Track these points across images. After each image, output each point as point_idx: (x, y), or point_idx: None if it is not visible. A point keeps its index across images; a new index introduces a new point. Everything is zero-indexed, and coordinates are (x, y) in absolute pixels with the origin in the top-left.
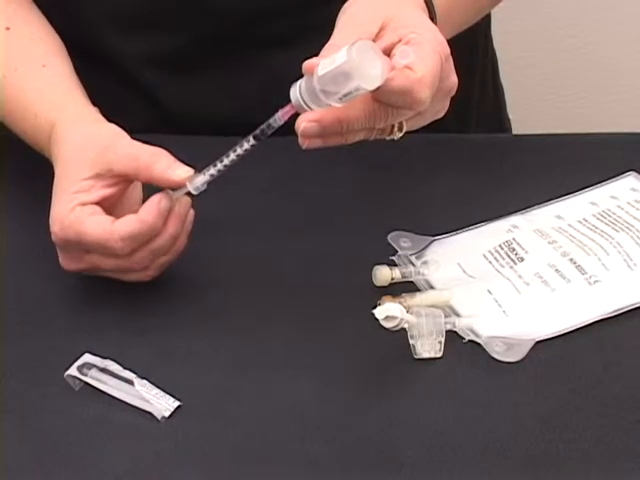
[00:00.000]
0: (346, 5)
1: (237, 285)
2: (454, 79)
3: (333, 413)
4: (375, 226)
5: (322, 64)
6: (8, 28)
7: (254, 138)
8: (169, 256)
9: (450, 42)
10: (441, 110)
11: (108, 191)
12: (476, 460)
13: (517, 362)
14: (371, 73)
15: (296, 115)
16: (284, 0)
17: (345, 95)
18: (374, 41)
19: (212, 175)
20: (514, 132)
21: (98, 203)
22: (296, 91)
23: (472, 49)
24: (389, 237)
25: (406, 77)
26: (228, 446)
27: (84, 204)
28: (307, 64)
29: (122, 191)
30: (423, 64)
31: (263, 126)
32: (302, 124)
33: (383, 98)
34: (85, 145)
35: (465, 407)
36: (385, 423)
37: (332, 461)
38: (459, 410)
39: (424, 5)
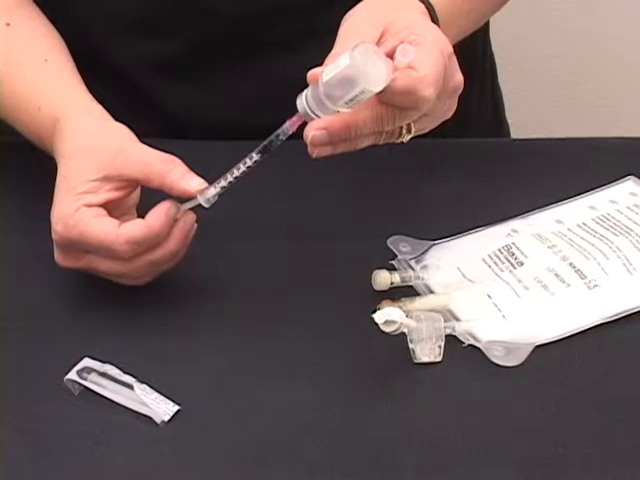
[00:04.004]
0: (346, 16)
1: (236, 289)
2: (459, 78)
3: (333, 417)
4: (375, 230)
5: (326, 70)
6: (8, 24)
7: (264, 149)
8: (166, 266)
9: None
10: (449, 110)
11: (115, 194)
12: (476, 464)
13: (516, 366)
14: (375, 75)
15: (304, 125)
16: (284, 5)
17: (351, 99)
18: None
19: (223, 187)
20: (513, 136)
21: (103, 205)
22: (302, 100)
23: (471, 53)
24: (389, 241)
25: (409, 76)
26: (227, 450)
27: (90, 205)
28: (311, 73)
29: (128, 194)
30: (425, 62)
31: (272, 137)
32: (310, 132)
33: (388, 100)
34: (94, 145)
35: (465, 411)
36: (384, 427)
37: (331, 465)
38: (459, 414)
39: (425, 10)
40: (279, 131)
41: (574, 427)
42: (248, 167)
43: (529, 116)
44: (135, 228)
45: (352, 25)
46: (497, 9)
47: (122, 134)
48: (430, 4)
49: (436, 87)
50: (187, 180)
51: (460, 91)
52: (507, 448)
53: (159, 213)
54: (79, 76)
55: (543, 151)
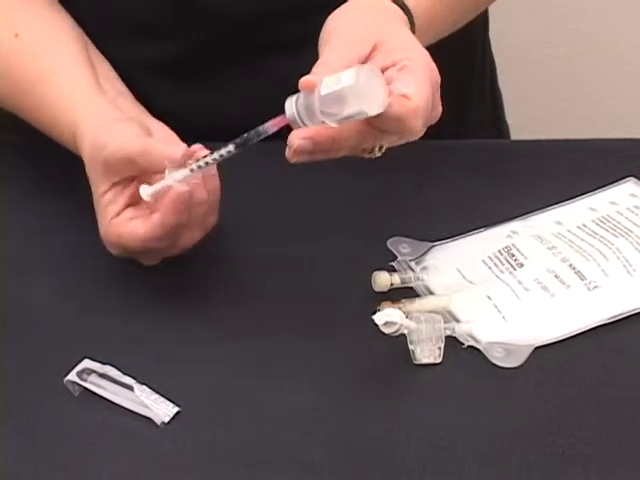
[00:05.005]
0: (331, 20)
1: (236, 291)
2: (439, 110)
3: (332, 418)
4: (374, 232)
5: (325, 84)
6: (17, 35)
7: (242, 143)
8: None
9: (448, 47)
10: (420, 134)
11: (131, 188)
12: (475, 466)
13: (516, 368)
14: (375, 100)
15: (285, 126)
16: (285, 7)
17: (345, 118)
18: (365, 61)
19: (192, 170)
20: (512, 137)
21: (129, 202)
22: (292, 105)
23: (470, 54)
24: (388, 243)
25: (402, 105)
26: (227, 451)
27: (117, 214)
28: (305, 81)
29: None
30: (418, 93)
31: (251, 132)
32: (296, 141)
33: (377, 123)
34: (92, 159)
35: (464, 413)
36: (384, 428)
37: (331, 467)
38: (459, 415)
39: (405, 17)
40: (260, 129)
41: (574, 428)
42: (220, 156)
43: (529, 117)
44: (154, 230)
45: (341, 34)
46: (477, 12)
47: (110, 137)
48: (409, 10)
49: (424, 118)
50: (170, 161)
51: (435, 121)
52: (507, 448)
53: (167, 204)
54: (93, 76)
55: (543, 152)
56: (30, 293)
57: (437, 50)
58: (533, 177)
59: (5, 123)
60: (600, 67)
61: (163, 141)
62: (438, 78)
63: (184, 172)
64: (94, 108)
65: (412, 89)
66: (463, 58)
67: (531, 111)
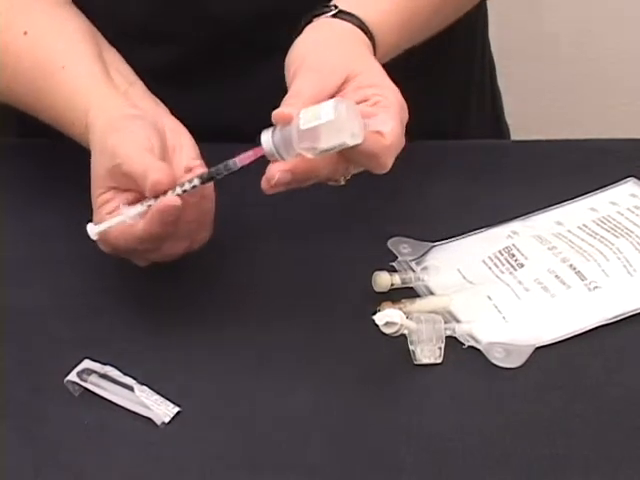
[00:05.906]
0: (298, 46)
1: (237, 291)
2: (403, 144)
3: (332, 419)
4: (375, 232)
5: (304, 118)
6: (26, 32)
7: (208, 177)
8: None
9: (448, 47)
10: None
11: (128, 194)
12: (476, 466)
13: (517, 368)
14: (353, 131)
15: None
16: (284, 8)
17: (324, 150)
18: (337, 92)
19: (149, 206)
20: (512, 138)
21: (124, 203)
22: (269, 139)
23: (470, 55)
24: (389, 243)
25: (377, 142)
26: (227, 452)
27: (110, 213)
28: (279, 115)
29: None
30: (393, 131)
31: (220, 166)
32: (277, 174)
33: (352, 156)
34: (97, 162)
35: (465, 413)
36: (385, 429)
37: (331, 467)
38: (459, 416)
39: (367, 40)
40: (230, 163)
41: (574, 428)
42: (184, 191)
43: (529, 117)
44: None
45: (312, 62)
46: (446, 25)
47: (123, 147)
48: (370, 33)
49: (395, 155)
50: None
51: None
52: (507, 449)
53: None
54: (103, 69)
55: (543, 153)
56: (31, 294)
57: (437, 51)
58: (533, 177)
59: (6, 125)
60: (600, 67)
61: (164, 165)
62: (407, 115)
63: (139, 208)
64: (105, 100)
65: (387, 127)
66: (463, 59)
67: (531, 111)
